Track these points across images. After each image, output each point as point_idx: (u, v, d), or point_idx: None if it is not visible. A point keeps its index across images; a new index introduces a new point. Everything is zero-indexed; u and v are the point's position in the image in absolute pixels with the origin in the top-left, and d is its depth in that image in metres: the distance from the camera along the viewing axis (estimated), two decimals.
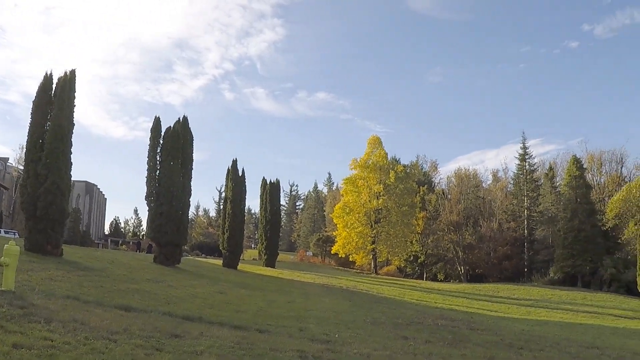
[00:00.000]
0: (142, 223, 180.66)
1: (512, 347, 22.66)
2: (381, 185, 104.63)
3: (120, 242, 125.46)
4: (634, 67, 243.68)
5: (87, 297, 21.39)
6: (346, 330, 22.19)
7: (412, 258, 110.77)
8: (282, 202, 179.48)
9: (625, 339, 35.66)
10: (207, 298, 29.75)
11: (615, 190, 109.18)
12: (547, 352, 22.11)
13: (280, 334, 18.52)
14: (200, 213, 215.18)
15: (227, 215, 68.38)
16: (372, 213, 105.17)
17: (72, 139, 36.20)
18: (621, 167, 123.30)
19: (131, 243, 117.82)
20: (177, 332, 15.38)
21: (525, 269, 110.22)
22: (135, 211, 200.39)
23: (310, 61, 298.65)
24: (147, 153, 50.01)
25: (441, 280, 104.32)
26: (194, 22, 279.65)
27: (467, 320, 34.76)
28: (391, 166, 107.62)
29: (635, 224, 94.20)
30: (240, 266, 68.94)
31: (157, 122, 50.86)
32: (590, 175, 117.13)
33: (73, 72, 37.25)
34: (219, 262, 71.55)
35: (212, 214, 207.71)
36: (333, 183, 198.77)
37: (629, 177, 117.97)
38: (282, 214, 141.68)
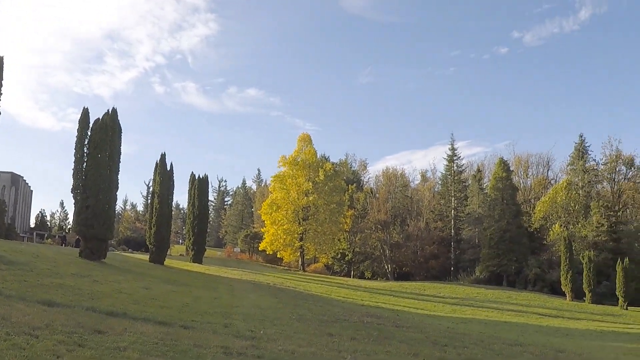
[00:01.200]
0: (68, 216, 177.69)
1: (436, 344, 22.96)
2: (310, 183, 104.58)
3: (46, 235, 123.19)
4: (561, 74, 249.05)
5: (10, 292, 21.07)
6: (272, 326, 22.22)
7: (339, 256, 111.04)
8: (211, 197, 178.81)
9: (549, 337, 36.42)
10: (132, 293, 29.47)
11: (541, 192, 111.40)
12: (471, 349, 22.44)
13: (205, 330, 18.47)
14: (128, 207, 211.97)
15: (154, 210, 67.46)
16: (300, 210, 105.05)
17: None
18: (547, 170, 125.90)
19: (57, 237, 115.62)
20: (101, 328, 15.23)
21: (452, 268, 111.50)
22: (62, 204, 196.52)
23: (242, 57, 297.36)
24: (75, 145, 49.20)
25: (368, 278, 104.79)
26: (126, 14, 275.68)
27: (393, 317, 35.10)
28: (320, 164, 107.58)
29: (561, 226, 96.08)
30: (167, 262, 68.30)
31: (85, 113, 50.01)
32: (516, 178, 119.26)
33: (0, 59, 36.49)
34: (146, 257, 70.67)
35: (140, 208, 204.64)
36: (262, 180, 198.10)
37: (555, 180, 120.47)
38: (210, 209, 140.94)
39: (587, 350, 29.91)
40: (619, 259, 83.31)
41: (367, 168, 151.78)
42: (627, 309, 78.68)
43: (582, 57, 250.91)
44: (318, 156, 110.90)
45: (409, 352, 19.07)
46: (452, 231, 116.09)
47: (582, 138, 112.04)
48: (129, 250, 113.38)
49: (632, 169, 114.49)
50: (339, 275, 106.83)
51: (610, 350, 33.25)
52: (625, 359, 29.15)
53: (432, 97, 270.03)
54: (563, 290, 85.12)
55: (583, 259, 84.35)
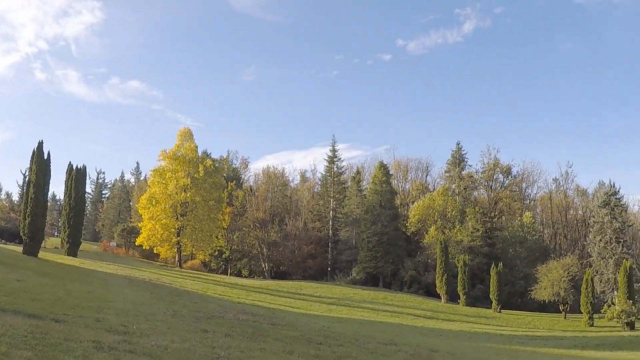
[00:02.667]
0: None
1: (311, 342, 23.09)
2: (189, 179, 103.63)
3: None
4: (443, 83, 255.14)
5: None
6: (145, 322, 21.98)
7: (217, 253, 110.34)
8: (88, 189, 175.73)
9: (423, 337, 37.13)
10: (2, 285, 28.72)
11: (419, 197, 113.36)
12: (345, 348, 22.65)
13: (76, 324, 18.09)
14: (3, 196, 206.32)
15: (29, 200, 65.63)
16: (178, 206, 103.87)
17: None
18: (426, 176, 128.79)
19: None
20: None
21: (329, 268, 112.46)
22: None
23: (126, 48, 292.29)
24: None
25: (246, 277, 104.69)
26: None
27: (268, 315, 35.17)
28: (201, 160, 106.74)
29: (436, 230, 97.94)
30: (41, 254, 66.52)
31: None
32: (396, 182, 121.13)
33: None
34: (20, 248, 68.86)
35: (16, 198, 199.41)
36: (141, 173, 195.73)
37: (433, 186, 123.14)
38: (88, 202, 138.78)
39: (461, 350, 30.66)
40: (493, 264, 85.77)
41: (249, 166, 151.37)
42: (500, 312, 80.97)
43: (464, 69, 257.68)
44: (199, 152, 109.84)
45: (284, 349, 19.13)
46: (330, 232, 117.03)
47: (459, 146, 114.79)
48: (2, 241, 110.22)
49: (509, 177, 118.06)
50: (216, 273, 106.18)
51: (483, 350, 34.20)
52: (498, 359, 29.88)
53: (315, 99, 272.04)
54: (438, 292, 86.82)
55: (458, 263, 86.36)
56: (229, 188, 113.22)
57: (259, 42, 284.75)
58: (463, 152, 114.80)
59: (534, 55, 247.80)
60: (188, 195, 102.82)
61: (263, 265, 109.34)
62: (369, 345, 24.86)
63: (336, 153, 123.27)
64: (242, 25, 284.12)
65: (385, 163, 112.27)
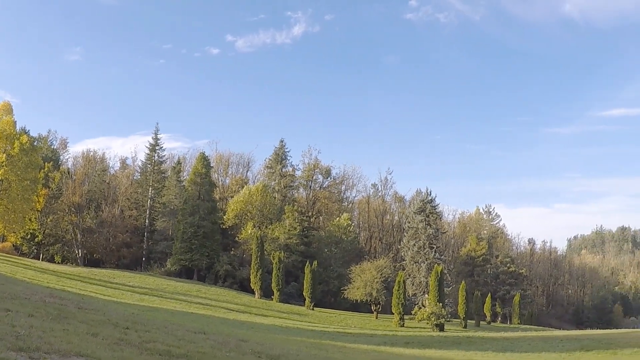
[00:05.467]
0: None
1: (118, 326, 22.73)
2: (4, 155, 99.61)
3: None
4: (269, 82, 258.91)
5: None
6: None
7: (29, 236, 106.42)
8: None
9: (234, 329, 37.30)
10: None
11: (238, 191, 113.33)
12: (153, 333, 22.42)
13: None
14: None
15: None
16: None
17: None
18: (247, 171, 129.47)
19: None
20: None
21: (144, 259, 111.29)
22: None
23: None
24: None
25: (58, 263, 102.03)
26: None
27: (77, 300, 34.33)
28: (17, 136, 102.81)
29: (254, 225, 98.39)
30: None
31: None
32: (216, 175, 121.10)
33: None
34: None
35: None
36: None
37: (253, 181, 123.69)
38: None
39: (270, 341, 30.85)
40: (308, 262, 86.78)
41: (68, 148, 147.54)
42: (313, 309, 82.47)
43: (290, 70, 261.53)
44: (17, 129, 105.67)
45: (88, 331, 18.71)
46: (147, 221, 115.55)
47: (283, 143, 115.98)
48: None
49: (329, 178, 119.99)
50: (28, 257, 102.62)
51: (293, 343, 34.63)
52: (307, 351, 30.25)
53: (139, 85, 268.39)
54: (252, 287, 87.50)
55: (274, 259, 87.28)
56: (46, 169, 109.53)
57: (87, 22, 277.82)
58: (286, 150, 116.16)
59: (361, 65, 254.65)
60: (1, 172, 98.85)
61: (76, 252, 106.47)
62: (177, 333, 24.73)
63: (158, 141, 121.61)
64: (66, 2, 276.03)
65: (207, 155, 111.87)
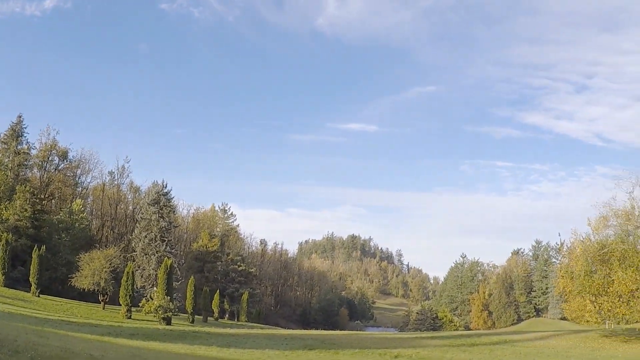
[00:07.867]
0: None
1: None
2: None
3: None
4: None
5: None
6: None
7: None
8: None
9: None
10: None
11: None
12: None
13: None
14: None
15: None
16: None
17: None
18: None
19: None
20: None
21: None
22: None
23: None
24: None
25: None
26: None
27: None
28: None
29: None
30: None
31: None
32: None
33: None
34: None
35: None
36: None
37: None
38: None
39: None
40: (36, 247, 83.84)
41: None
42: (39, 296, 79.95)
43: (38, 42, 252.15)
44: None
45: None
46: None
47: (21, 119, 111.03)
48: None
49: (65, 161, 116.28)
50: None
51: (14, 329, 33.50)
52: (27, 337, 29.06)
53: None
54: None
55: (0, 241, 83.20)
56: None
57: None
58: (24, 127, 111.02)
59: (111, 50, 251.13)
60: None
61: None
62: None
63: None
64: None
65: None
